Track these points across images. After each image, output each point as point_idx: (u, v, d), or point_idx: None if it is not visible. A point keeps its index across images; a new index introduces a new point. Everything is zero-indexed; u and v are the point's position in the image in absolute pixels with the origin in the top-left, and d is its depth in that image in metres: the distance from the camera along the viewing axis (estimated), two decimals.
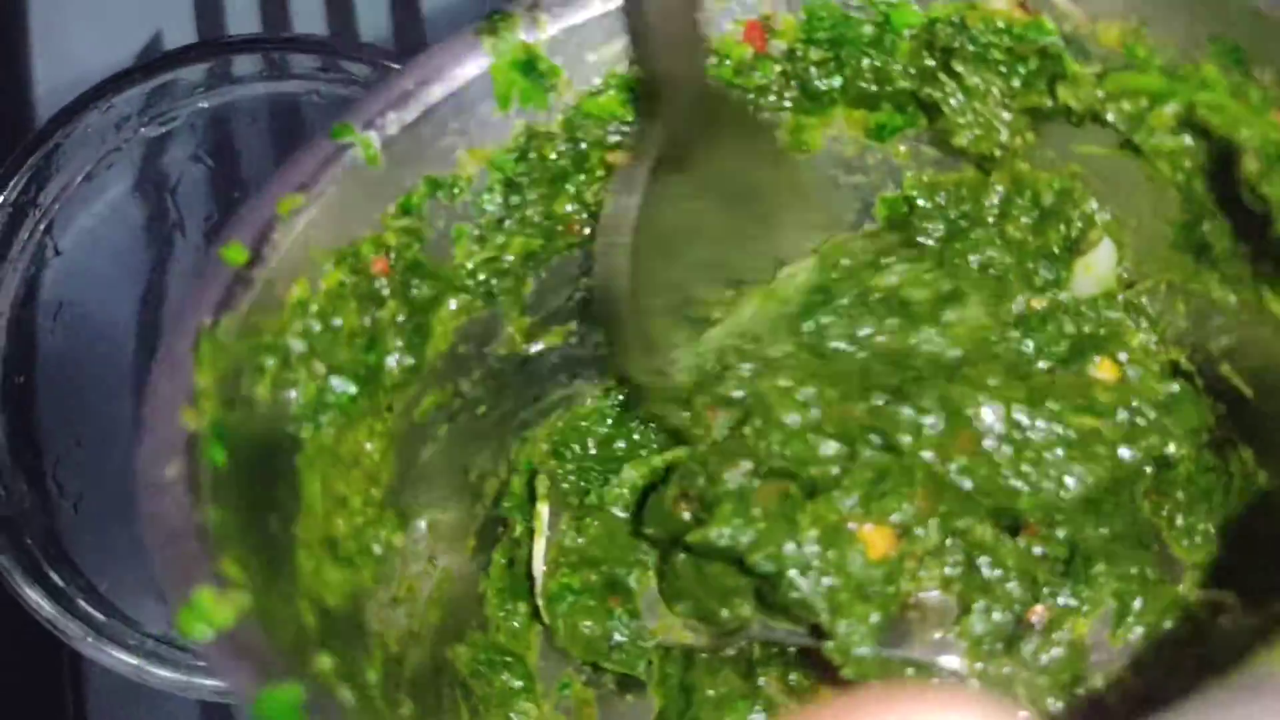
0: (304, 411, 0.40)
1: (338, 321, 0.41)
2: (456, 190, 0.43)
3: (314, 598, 0.39)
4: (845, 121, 0.47)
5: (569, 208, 0.45)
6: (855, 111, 0.46)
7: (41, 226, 0.58)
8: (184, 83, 0.58)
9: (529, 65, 0.43)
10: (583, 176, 0.45)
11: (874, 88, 0.46)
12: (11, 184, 0.57)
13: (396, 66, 0.58)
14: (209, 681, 0.56)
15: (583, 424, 0.50)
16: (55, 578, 0.57)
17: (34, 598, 0.57)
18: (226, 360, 0.38)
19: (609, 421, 0.50)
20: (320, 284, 0.40)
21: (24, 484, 0.58)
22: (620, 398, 0.50)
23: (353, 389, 0.41)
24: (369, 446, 0.42)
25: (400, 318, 0.43)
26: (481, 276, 0.45)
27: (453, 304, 0.44)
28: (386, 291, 0.42)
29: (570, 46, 0.43)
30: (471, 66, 0.42)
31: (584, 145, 0.44)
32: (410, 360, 0.43)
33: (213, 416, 0.37)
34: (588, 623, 0.48)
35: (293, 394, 0.40)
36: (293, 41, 0.59)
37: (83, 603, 0.57)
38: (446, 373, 0.45)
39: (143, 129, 0.59)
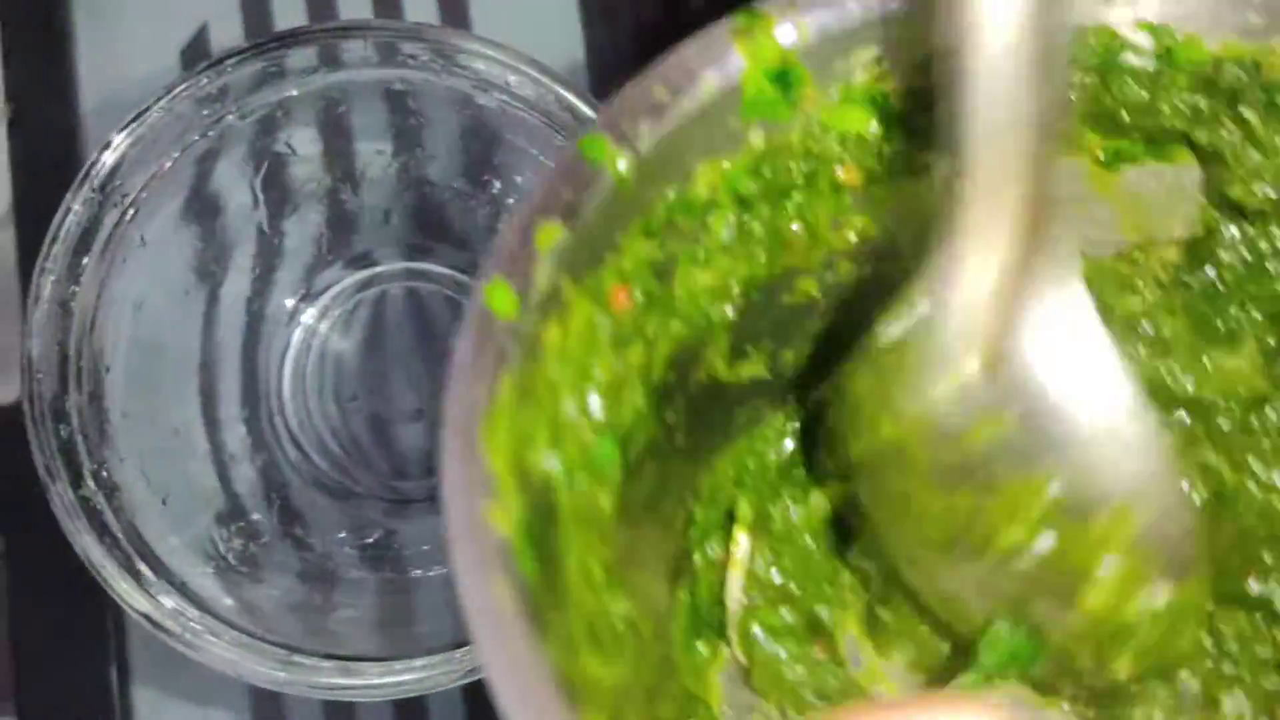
0: (561, 478, 0.35)
1: (597, 374, 0.36)
2: (690, 208, 0.39)
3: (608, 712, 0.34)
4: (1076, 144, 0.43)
5: (794, 226, 0.41)
6: (1093, 134, 0.43)
7: (128, 216, 0.57)
8: (291, 66, 0.56)
9: (782, 73, 0.38)
10: (809, 194, 0.41)
11: (1131, 120, 0.42)
12: (97, 169, 0.56)
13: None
14: (307, 678, 0.55)
15: (761, 446, 0.46)
16: (147, 571, 0.56)
17: (127, 591, 0.56)
18: (513, 438, 0.33)
19: (789, 444, 0.47)
20: (569, 324, 0.35)
21: (113, 477, 0.57)
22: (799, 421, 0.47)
23: (616, 454, 0.36)
24: (604, 502, 0.36)
25: (639, 355, 0.38)
26: (700, 302, 0.40)
27: (670, 331, 0.40)
28: (630, 327, 0.37)
29: (821, 53, 0.38)
30: (722, 72, 0.37)
31: (818, 161, 0.41)
32: (639, 401, 0.38)
33: (517, 514, 0.32)
34: (794, 666, 0.45)
35: (555, 462, 0.34)
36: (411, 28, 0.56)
37: (176, 597, 0.56)
38: (656, 405, 0.40)
39: (228, 117, 0.57)
